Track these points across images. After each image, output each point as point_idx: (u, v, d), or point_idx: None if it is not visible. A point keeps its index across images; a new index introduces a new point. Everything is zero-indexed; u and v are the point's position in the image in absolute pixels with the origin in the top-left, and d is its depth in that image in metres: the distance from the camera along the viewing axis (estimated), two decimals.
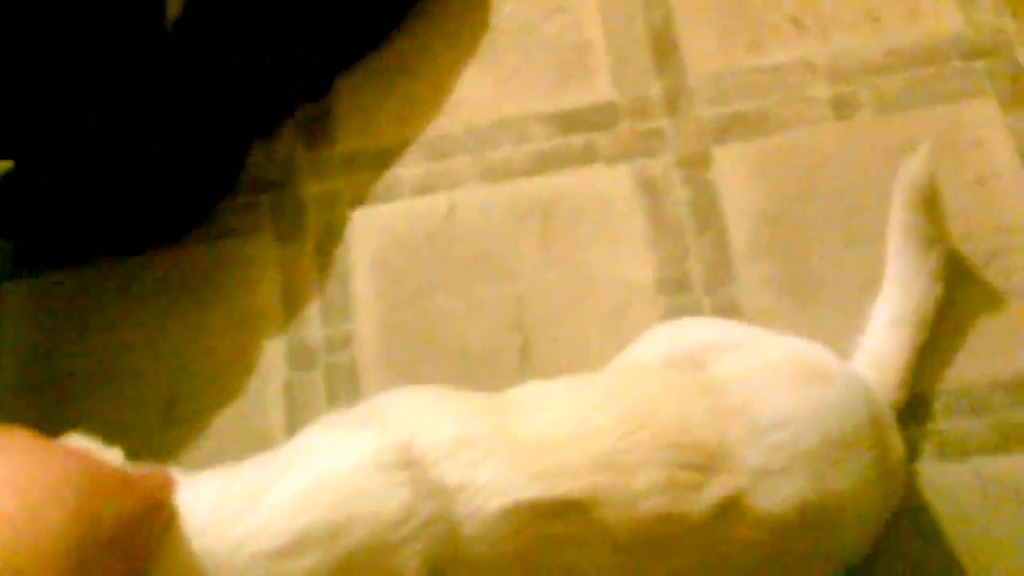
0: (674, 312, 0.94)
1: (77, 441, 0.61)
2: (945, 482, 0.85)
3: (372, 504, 0.58)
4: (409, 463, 0.60)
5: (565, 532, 0.61)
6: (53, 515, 0.49)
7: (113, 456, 0.60)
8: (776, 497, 0.66)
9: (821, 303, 0.92)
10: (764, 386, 0.72)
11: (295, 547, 0.56)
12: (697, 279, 0.95)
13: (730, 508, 0.65)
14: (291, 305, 0.98)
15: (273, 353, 0.96)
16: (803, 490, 0.67)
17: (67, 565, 0.48)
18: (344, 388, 0.94)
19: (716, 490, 0.65)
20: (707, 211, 0.97)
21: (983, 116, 0.97)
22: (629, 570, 0.63)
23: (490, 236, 0.98)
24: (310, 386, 0.94)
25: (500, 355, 0.93)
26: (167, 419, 0.94)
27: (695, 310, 0.94)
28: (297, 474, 0.59)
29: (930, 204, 0.87)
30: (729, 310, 0.93)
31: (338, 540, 0.56)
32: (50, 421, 0.93)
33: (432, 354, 0.94)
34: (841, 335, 0.89)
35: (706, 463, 0.65)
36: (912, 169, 0.88)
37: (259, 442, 0.92)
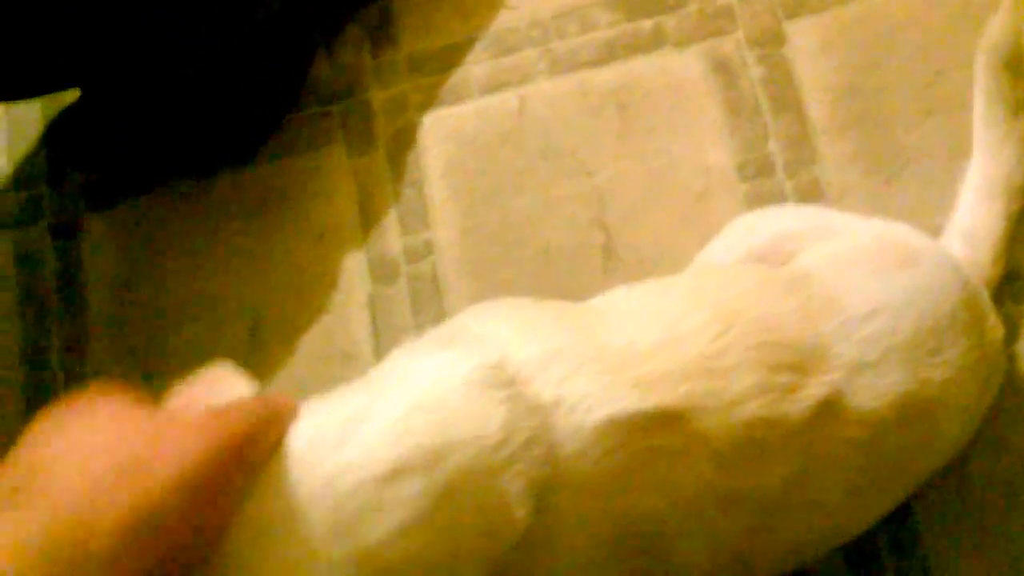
0: (756, 197, 0.92)
1: (218, 372, 0.61)
2: None
3: (470, 426, 0.57)
4: (503, 381, 0.59)
5: (664, 444, 0.60)
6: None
7: (246, 388, 0.60)
8: (874, 392, 0.65)
9: (908, 177, 0.90)
10: (852, 275, 0.70)
11: (397, 474, 0.55)
12: (778, 161, 0.92)
13: (828, 408, 0.63)
14: (368, 217, 0.97)
15: (354, 267, 0.95)
16: (900, 383, 0.65)
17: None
18: (427, 298, 0.94)
19: (813, 390, 0.63)
20: (783, 89, 0.94)
21: None
22: (731, 480, 0.61)
23: (563, 131, 0.96)
24: (394, 298, 0.94)
25: (583, 252, 0.92)
26: (253, 342, 0.94)
27: (778, 193, 0.91)
28: (391, 400, 0.58)
29: (1017, 65, 0.83)
30: (813, 191, 0.91)
31: (440, 465, 0.55)
32: (139, 352, 0.95)
33: (514, 256, 0.93)
34: (931, 210, 0.87)
35: (801, 362, 0.64)
36: (995, 28, 0.84)
37: (346, 359, 0.93)
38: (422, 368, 0.61)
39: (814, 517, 0.66)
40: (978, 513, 0.82)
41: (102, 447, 0.51)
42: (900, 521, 0.82)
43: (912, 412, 0.66)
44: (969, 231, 0.82)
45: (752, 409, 0.62)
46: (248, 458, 0.55)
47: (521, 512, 0.56)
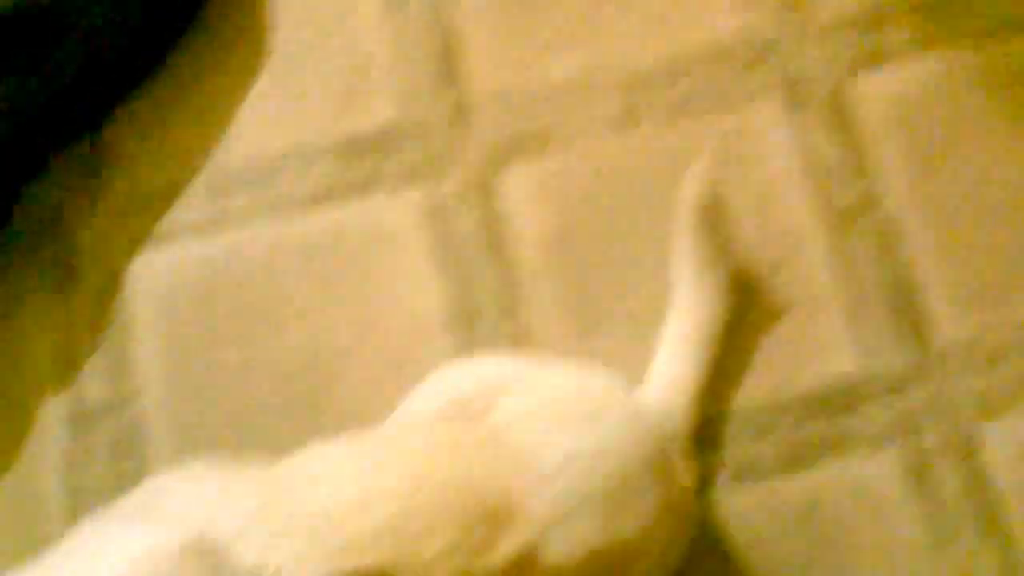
0: (465, 344, 0.92)
1: None
2: (738, 507, 0.85)
3: None
4: (205, 552, 0.57)
5: None
6: None
7: None
8: (568, 543, 0.66)
9: (612, 325, 0.92)
10: (543, 429, 0.71)
11: None
12: (487, 309, 0.93)
13: (524, 562, 0.64)
14: (67, 363, 0.93)
15: (49, 417, 0.91)
16: (593, 532, 0.67)
17: None
18: (128, 450, 0.90)
19: (506, 547, 0.63)
20: (495, 236, 0.96)
21: (766, 120, 0.98)
22: None
23: (275, 278, 0.95)
24: (91, 450, 0.90)
25: (292, 403, 0.91)
26: None
27: (487, 341, 0.92)
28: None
29: (712, 220, 0.87)
30: (521, 338, 0.92)
31: None
32: None
33: (221, 410, 0.91)
34: (635, 357, 0.89)
35: (494, 518, 0.64)
36: (691, 185, 0.88)
37: (35, 512, 0.88)
38: (117, 546, 0.58)
39: None
40: None
41: None
42: None
43: (605, 560, 0.67)
44: (667, 379, 0.85)
45: (450, 568, 0.61)
46: None
47: None
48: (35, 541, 0.86)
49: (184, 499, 0.63)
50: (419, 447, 0.69)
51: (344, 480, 0.64)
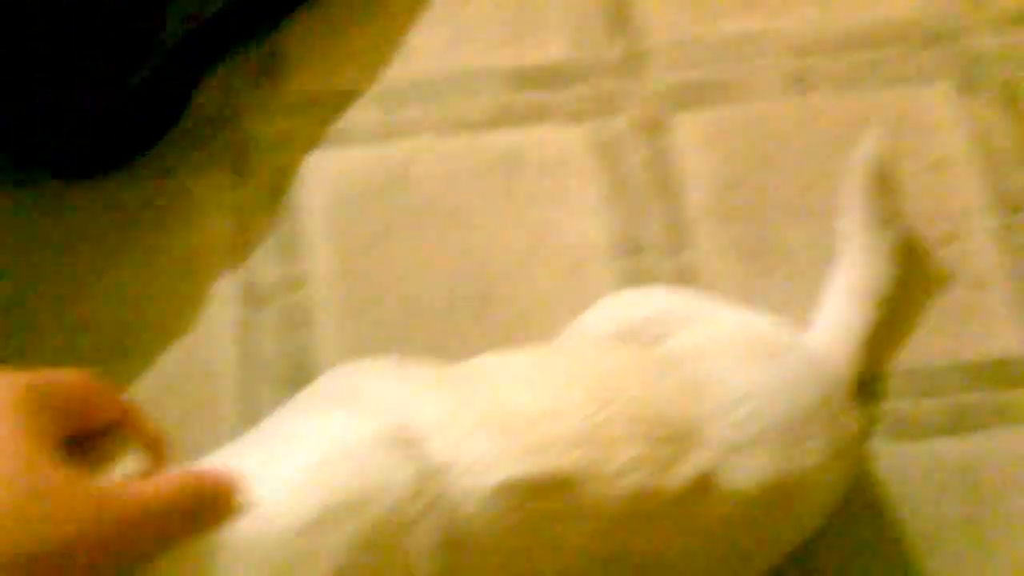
0: (630, 274, 0.94)
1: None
2: (896, 462, 0.87)
3: (382, 482, 0.56)
4: (406, 441, 0.59)
5: (555, 508, 0.61)
6: None
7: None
8: (743, 473, 0.67)
9: (777, 272, 0.94)
10: (722, 361, 0.73)
11: (316, 524, 0.54)
12: (653, 242, 0.95)
13: (702, 484, 0.66)
14: (244, 244, 0.96)
15: (225, 291, 0.94)
16: (767, 466, 0.68)
17: None
18: (295, 331, 0.93)
19: (689, 467, 0.65)
20: (664, 175, 0.97)
21: (938, 100, 0.99)
22: (612, 544, 0.63)
23: (446, 187, 0.98)
24: (262, 326, 0.93)
25: (457, 306, 0.93)
26: (117, 350, 0.92)
27: (651, 273, 0.94)
28: (292, 458, 0.57)
29: (883, 185, 0.88)
30: (686, 275, 0.94)
31: (356, 516, 0.55)
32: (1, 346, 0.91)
33: (387, 302, 0.93)
34: (797, 305, 0.90)
35: (677, 438, 0.66)
36: (865, 150, 0.89)
37: (208, 379, 0.91)
38: (319, 427, 0.60)
39: None
40: None
41: None
42: None
43: (776, 494, 0.69)
44: (833, 327, 0.86)
45: (633, 480, 0.63)
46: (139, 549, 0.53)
47: (427, 571, 0.56)
48: (202, 403, 0.91)
49: (381, 389, 0.65)
50: (606, 363, 0.71)
51: (533, 389, 0.66)
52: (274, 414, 0.65)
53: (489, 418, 0.62)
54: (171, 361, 0.92)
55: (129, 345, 0.92)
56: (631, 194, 0.97)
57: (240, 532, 0.53)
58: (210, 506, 0.54)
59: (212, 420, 0.89)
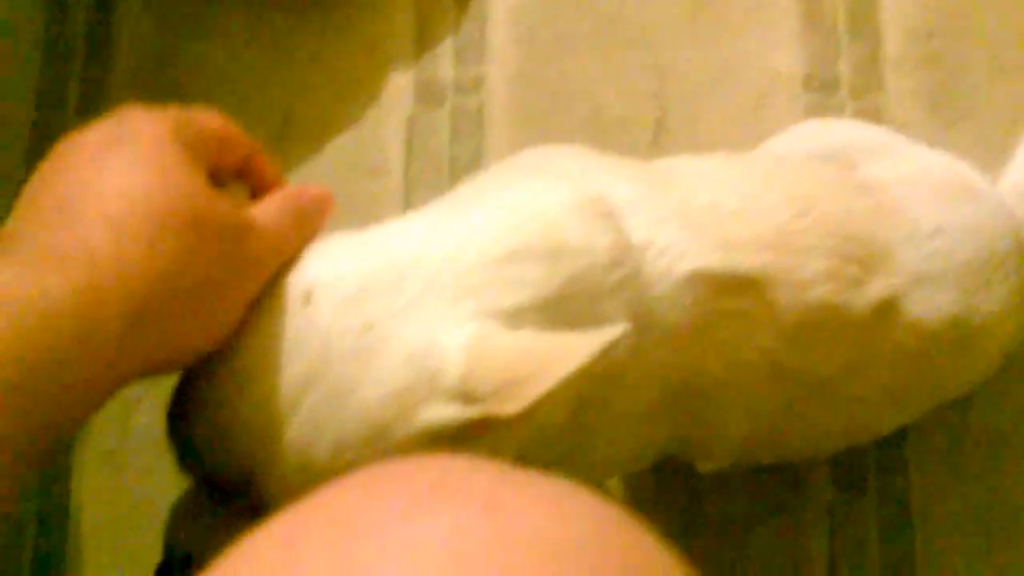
0: (816, 110, 0.92)
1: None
2: None
3: (582, 244, 0.56)
4: (606, 213, 0.58)
5: (738, 308, 0.60)
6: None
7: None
8: (928, 305, 0.65)
9: (964, 125, 0.90)
10: (919, 193, 0.70)
11: (516, 255, 0.54)
12: (844, 81, 0.92)
13: (887, 309, 0.64)
14: (424, 40, 0.94)
15: (399, 85, 0.93)
16: (953, 303, 0.66)
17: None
18: (469, 132, 0.92)
19: (876, 289, 0.64)
20: (862, 14, 0.94)
21: None
22: (788, 356, 0.62)
23: (636, 3, 0.95)
24: (435, 124, 0.92)
25: (634, 124, 0.91)
26: (282, 134, 0.92)
27: (838, 112, 0.91)
28: (491, 214, 0.57)
29: None
30: (872, 117, 0.91)
31: (558, 262, 0.54)
32: None
33: (564, 112, 0.92)
34: (983, 163, 0.86)
35: (868, 260, 0.64)
36: None
37: (374, 173, 0.91)
38: (513, 192, 0.59)
39: (852, 410, 0.67)
40: (967, 459, 0.84)
41: (139, 194, 0.49)
42: (893, 446, 0.83)
43: (955, 333, 0.67)
44: (1019, 191, 0.82)
45: (821, 293, 0.62)
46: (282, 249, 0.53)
47: (619, 345, 0.56)
48: (366, 199, 0.91)
49: (578, 164, 0.64)
50: (803, 175, 0.69)
51: (728, 187, 0.65)
52: (459, 188, 0.64)
53: (683, 209, 0.61)
54: (336, 152, 0.92)
55: (293, 131, 0.92)
56: (826, 30, 0.93)
57: (432, 254, 0.53)
58: (311, 218, 0.56)
59: (372, 218, 0.89)
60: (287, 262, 0.54)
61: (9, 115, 0.93)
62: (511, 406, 0.49)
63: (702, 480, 0.82)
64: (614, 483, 0.83)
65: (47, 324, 0.43)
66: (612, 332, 0.50)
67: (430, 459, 0.38)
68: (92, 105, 0.93)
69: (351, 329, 0.51)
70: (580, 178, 0.61)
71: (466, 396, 0.49)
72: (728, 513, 0.85)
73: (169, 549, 0.54)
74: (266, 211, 0.54)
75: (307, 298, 0.52)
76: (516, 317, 0.52)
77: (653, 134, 0.90)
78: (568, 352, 0.49)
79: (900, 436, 0.83)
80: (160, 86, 0.93)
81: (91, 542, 0.90)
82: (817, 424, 0.67)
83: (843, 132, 0.82)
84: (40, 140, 0.91)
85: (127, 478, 0.88)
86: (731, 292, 0.59)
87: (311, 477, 0.47)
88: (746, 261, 0.60)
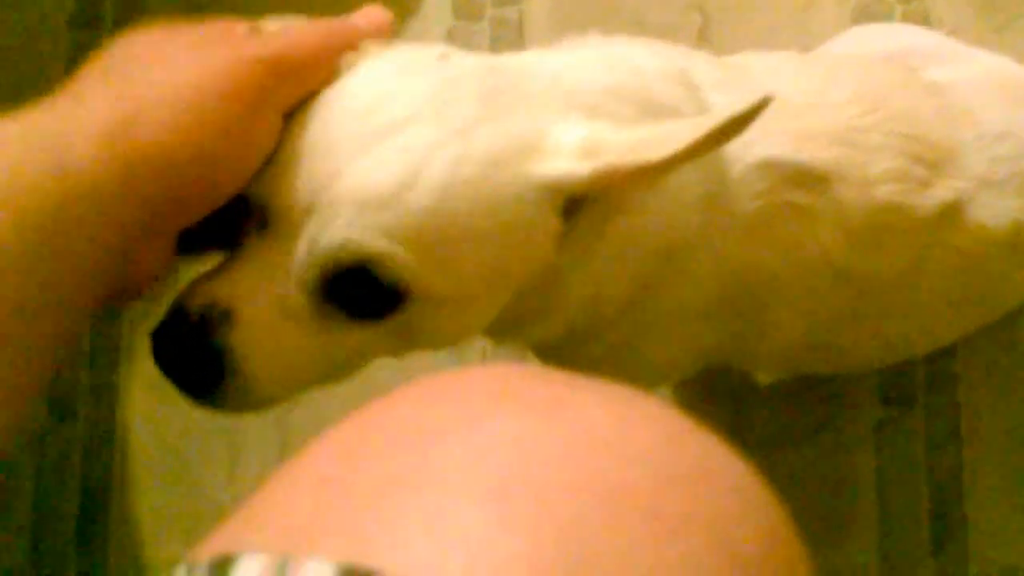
0: (863, 14, 0.89)
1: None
2: None
3: (672, 104, 0.55)
4: (690, 84, 0.57)
5: (804, 202, 0.59)
6: None
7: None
8: (993, 211, 0.64)
9: (1015, 30, 0.87)
10: (986, 96, 0.68)
11: (616, 95, 0.53)
12: None
13: (951, 212, 0.62)
14: None
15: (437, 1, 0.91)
16: (1018, 209, 0.65)
17: None
18: (508, 44, 0.90)
19: (942, 191, 0.62)
20: None
21: None
22: (850, 256, 0.60)
23: None
24: (474, 36, 0.90)
25: (677, 34, 0.89)
26: None
27: (886, 17, 0.89)
28: (607, 54, 0.57)
29: None
30: (920, 21, 0.88)
31: (646, 114, 0.53)
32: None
33: (605, 22, 0.89)
34: None
35: (936, 161, 0.62)
36: None
37: None
38: (622, 48, 0.59)
39: (913, 317, 0.66)
40: (1017, 375, 0.82)
41: (194, 68, 0.47)
42: (942, 362, 0.82)
43: (1020, 240, 0.65)
44: None
45: (887, 192, 0.60)
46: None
47: (693, 222, 0.56)
48: None
49: (657, 44, 0.63)
50: (872, 73, 0.67)
51: (795, 82, 0.63)
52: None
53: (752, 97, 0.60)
54: None
55: None
56: None
57: (543, 72, 0.52)
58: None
59: None
60: None
61: (46, 36, 0.92)
62: (652, 154, 0.46)
63: (749, 398, 0.81)
64: None
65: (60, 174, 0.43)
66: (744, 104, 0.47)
67: (492, 368, 0.37)
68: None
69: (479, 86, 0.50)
70: (667, 54, 0.60)
71: (586, 153, 0.48)
72: (775, 431, 0.84)
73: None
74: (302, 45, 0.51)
75: (444, 56, 0.52)
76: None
77: (695, 43, 0.88)
78: (696, 126, 0.46)
79: (950, 352, 0.82)
80: (195, 5, 0.92)
81: (138, 467, 0.90)
82: (876, 331, 0.66)
83: (901, 36, 0.80)
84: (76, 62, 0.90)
85: (174, 406, 0.88)
86: (798, 185, 0.58)
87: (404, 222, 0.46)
88: (816, 154, 0.59)
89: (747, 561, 0.31)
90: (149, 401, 0.89)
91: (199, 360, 0.48)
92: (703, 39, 0.88)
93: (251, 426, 0.88)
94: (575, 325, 0.57)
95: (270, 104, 0.49)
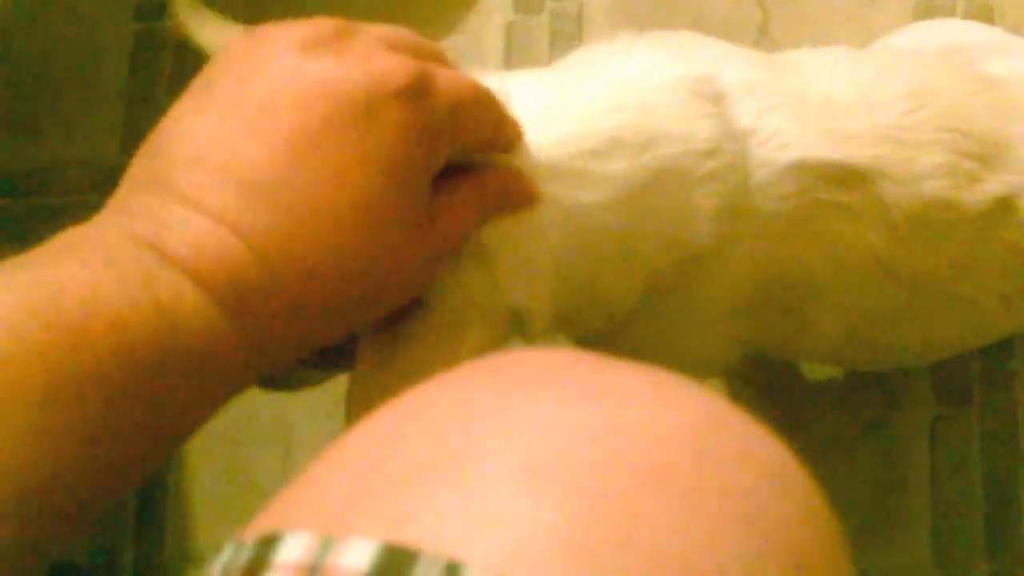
0: (925, 10, 0.89)
1: None
2: None
3: (679, 126, 0.55)
4: (711, 96, 0.57)
5: (844, 201, 0.58)
6: None
7: None
8: None
9: None
10: None
11: (607, 148, 0.53)
12: None
13: (1002, 207, 0.62)
14: None
15: None
16: None
17: None
18: (567, 38, 0.90)
19: (992, 186, 0.61)
20: None
21: None
22: (898, 254, 0.60)
23: None
24: (534, 31, 0.91)
25: (737, 28, 0.89)
26: None
27: (949, 12, 0.88)
28: (605, 80, 0.56)
29: None
30: (984, 17, 0.88)
31: (647, 152, 0.54)
32: None
33: (665, 17, 0.90)
34: None
35: (986, 156, 0.62)
36: None
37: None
38: (629, 62, 0.58)
39: (962, 313, 0.65)
40: None
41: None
42: (999, 359, 0.81)
43: None
44: None
45: (935, 188, 0.60)
46: None
47: (705, 232, 0.55)
48: None
49: (693, 41, 0.63)
50: (923, 68, 0.67)
51: (843, 79, 0.63)
52: (591, 47, 0.63)
53: (794, 98, 0.59)
54: None
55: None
56: None
57: (526, 148, 0.52)
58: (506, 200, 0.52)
59: None
60: None
61: (111, 25, 0.93)
62: None
63: (802, 395, 0.81)
64: None
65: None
66: None
67: (532, 351, 0.37)
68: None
69: None
70: (692, 54, 0.60)
71: None
72: (828, 429, 0.84)
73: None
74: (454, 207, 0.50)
75: None
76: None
77: (756, 39, 0.88)
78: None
79: (1007, 349, 0.81)
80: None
81: (193, 456, 0.91)
82: (925, 328, 0.66)
83: (960, 32, 0.79)
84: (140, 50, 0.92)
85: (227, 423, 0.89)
86: (836, 184, 0.58)
87: None
88: (855, 153, 0.58)
89: (784, 541, 0.31)
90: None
91: None
92: (763, 34, 0.88)
93: (304, 417, 0.89)
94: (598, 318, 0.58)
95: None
